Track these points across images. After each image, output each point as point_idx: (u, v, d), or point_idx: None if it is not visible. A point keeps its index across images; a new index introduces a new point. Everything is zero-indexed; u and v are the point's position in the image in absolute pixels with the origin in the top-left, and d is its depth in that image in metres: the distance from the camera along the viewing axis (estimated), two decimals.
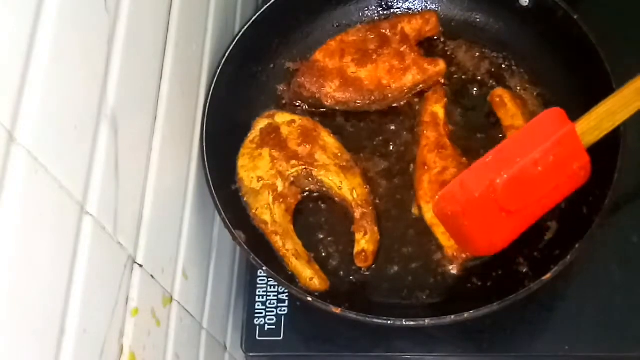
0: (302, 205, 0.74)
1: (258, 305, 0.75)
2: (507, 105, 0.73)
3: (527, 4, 0.76)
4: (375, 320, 0.64)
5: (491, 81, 0.77)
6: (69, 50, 0.44)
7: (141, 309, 0.54)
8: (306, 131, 0.73)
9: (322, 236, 0.73)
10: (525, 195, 0.64)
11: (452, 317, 0.63)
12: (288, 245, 0.69)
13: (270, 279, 0.76)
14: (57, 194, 0.43)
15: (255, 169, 0.72)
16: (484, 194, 0.62)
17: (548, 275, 0.63)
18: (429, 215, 0.70)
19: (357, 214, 0.71)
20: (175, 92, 0.63)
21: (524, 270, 0.68)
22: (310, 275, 0.67)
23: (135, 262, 0.54)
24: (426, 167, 0.72)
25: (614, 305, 0.73)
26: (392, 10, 0.82)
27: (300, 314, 0.75)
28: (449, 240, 0.69)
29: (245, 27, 0.76)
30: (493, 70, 0.78)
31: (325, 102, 0.77)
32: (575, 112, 0.73)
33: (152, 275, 0.57)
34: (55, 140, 0.43)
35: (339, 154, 0.73)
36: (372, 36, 0.78)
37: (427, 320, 0.63)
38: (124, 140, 0.51)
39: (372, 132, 0.77)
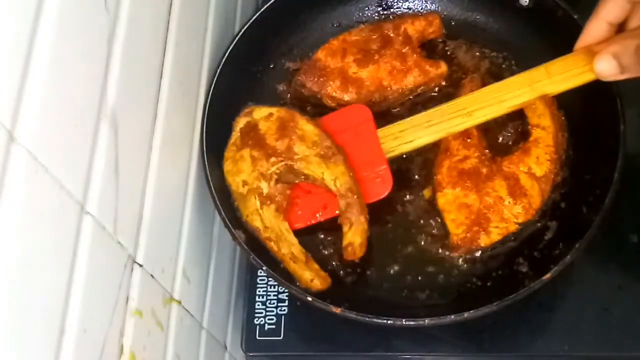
0: None
1: (258, 305, 0.75)
2: (535, 103, 0.73)
3: (527, 3, 0.76)
4: (375, 320, 0.64)
5: (491, 81, 0.77)
6: (69, 50, 0.44)
7: (141, 308, 0.54)
8: (283, 123, 0.71)
9: (322, 236, 0.73)
10: None
11: (452, 317, 0.63)
12: (284, 250, 0.67)
13: (270, 279, 0.76)
14: (57, 194, 0.43)
15: (239, 172, 0.70)
16: None
17: (548, 275, 0.63)
18: (442, 200, 0.71)
19: (342, 204, 0.68)
20: (175, 92, 0.63)
21: (524, 270, 0.68)
22: (309, 277, 0.66)
23: (135, 262, 0.54)
24: (448, 153, 0.72)
25: (614, 305, 0.73)
26: (392, 10, 0.82)
27: (300, 314, 0.75)
28: (457, 227, 0.70)
29: (245, 27, 0.76)
30: (493, 70, 0.78)
31: (326, 102, 0.77)
32: (575, 111, 0.74)
33: (152, 275, 0.57)
34: (55, 140, 0.43)
35: (318, 141, 0.70)
36: (374, 36, 0.78)
37: (427, 320, 0.63)
38: (124, 140, 0.51)
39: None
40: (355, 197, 0.68)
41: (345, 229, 0.68)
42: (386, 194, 0.70)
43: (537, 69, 0.70)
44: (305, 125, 0.71)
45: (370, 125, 0.72)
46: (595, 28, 0.65)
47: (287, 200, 0.70)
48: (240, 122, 0.73)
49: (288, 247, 0.68)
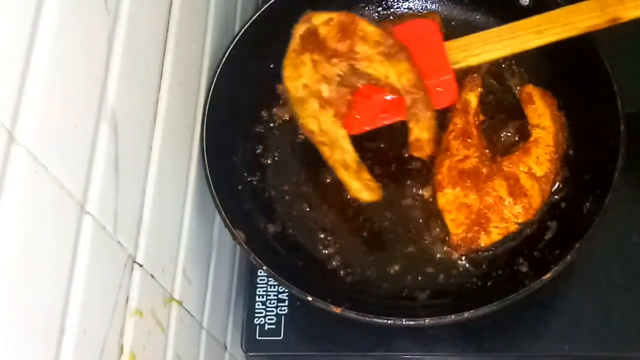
0: (303, 205, 0.74)
1: (258, 305, 0.75)
2: (535, 103, 0.73)
3: (527, 3, 0.76)
4: (375, 320, 0.64)
5: (491, 81, 0.77)
6: (69, 50, 0.44)
7: (141, 308, 0.54)
8: (344, 26, 0.70)
9: (322, 236, 0.73)
10: None
11: (452, 317, 0.63)
12: (336, 155, 0.67)
13: (270, 279, 0.76)
14: (57, 194, 0.43)
15: (299, 77, 0.70)
16: None
17: (548, 275, 0.63)
18: (442, 200, 0.71)
19: (408, 100, 0.68)
20: (175, 92, 0.63)
21: (524, 270, 0.68)
22: (358, 187, 0.65)
23: (135, 262, 0.54)
24: (448, 153, 0.72)
25: (614, 305, 0.73)
26: (392, 10, 0.82)
27: (300, 314, 0.75)
28: (457, 227, 0.70)
29: (246, 26, 0.76)
30: (493, 70, 0.78)
31: None
32: (576, 111, 0.74)
33: (152, 275, 0.57)
34: (55, 140, 0.43)
35: (381, 40, 0.69)
36: None
37: (427, 320, 0.63)
38: (124, 140, 0.51)
39: (373, 132, 0.77)
40: (421, 92, 0.67)
41: (411, 124, 0.68)
42: (449, 103, 0.71)
43: None
44: (367, 27, 0.70)
45: (437, 36, 0.72)
46: None
47: (347, 105, 0.69)
48: (300, 29, 0.72)
49: (341, 154, 0.67)
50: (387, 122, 0.72)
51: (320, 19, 0.71)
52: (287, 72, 0.71)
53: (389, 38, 0.69)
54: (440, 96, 0.71)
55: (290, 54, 0.72)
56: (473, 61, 0.72)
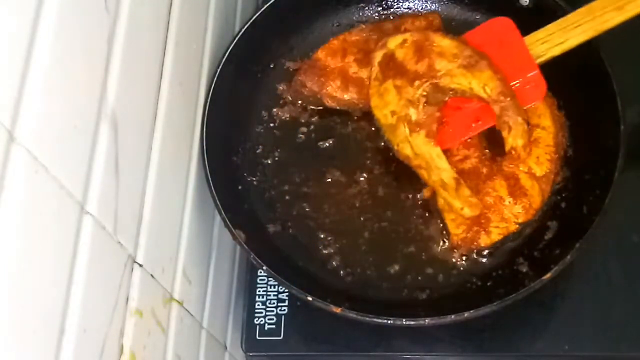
0: (303, 205, 0.74)
1: (258, 305, 0.75)
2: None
3: (527, 3, 0.76)
4: (375, 320, 0.64)
5: None
6: (69, 50, 0.44)
7: (141, 308, 0.54)
8: (419, 45, 0.70)
9: (322, 236, 0.73)
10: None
11: (452, 316, 0.63)
12: (434, 177, 0.67)
13: (270, 279, 0.76)
14: (57, 193, 0.43)
15: (386, 105, 0.70)
16: None
17: (548, 275, 0.63)
18: (442, 201, 0.71)
19: (496, 110, 0.67)
20: (175, 92, 0.63)
21: (524, 270, 0.68)
22: (459, 206, 0.66)
23: (135, 262, 0.54)
24: (448, 153, 0.72)
25: (614, 305, 0.73)
26: (392, 10, 0.82)
27: (300, 314, 0.75)
28: (457, 227, 0.70)
29: (246, 26, 0.76)
30: None
31: (326, 102, 0.76)
32: (576, 111, 0.74)
33: (152, 275, 0.57)
34: (55, 140, 0.43)
35: (458, 53, 0.69)
36: (374, 36, 0.78)
37: (427, 320, 0.63)
38: (124, 140, 0.51)
39: (372, 133, 0.77)
40: (508, 99, 0.67)
41: (504, 134, 0.68)
42: (541, 98, 0.70)
43: None
44: (442, 41, 0.70)
45: (515, 33, 0.71)
46: None
47: (437, 122, 0.69)
48: (377, 56, 0.72)
49: (438, 174, 0.67)
50: (481, 130, 0.71)
51: (395, 42, 0.72)
52: (374, 101, 0.72)
53: (466, 48, 0.69)
54: (530, 93, 0.70)
55: (372, 83, 0.72)
56: (556, 51, 0.70)
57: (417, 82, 0.69)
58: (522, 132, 0.66)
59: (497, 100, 0.67)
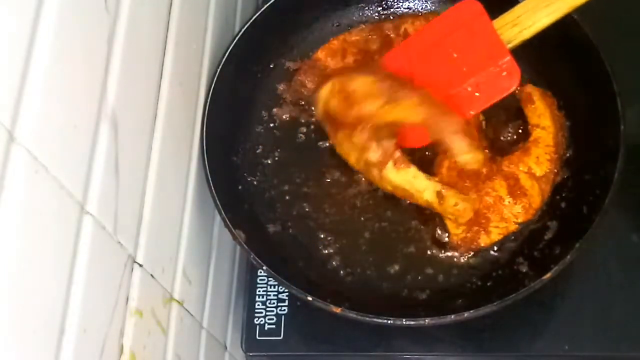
0: (304, 205, 0.74)
1: (258, 305, 0.75)
2: (535, 103, 0.73)
3: None
4: (375, 320, 0.64)
5: None
6: (69, 50, 0.44)
7: (141, 308, 0.54)
8: (343, 91, 0.69)
9: (322, 236, 0.73)
10: (441, 82, 0.68)
11: (452, 316, 0.63)
12: (420, 200, 0.67)
13: (270, 279, 0.76)
14: (57, 193, 0.43)
15: (349, 154, 0.71)
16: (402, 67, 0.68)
17: (548, 275, 0.63)
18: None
19: (432, 133, 0.68)
20: (175, 92, 0.63)
21: (524, 270, 0.68)
22: (452, 217, 0.68)
23: (135, 262, 0.54)
24: (448, 153, 0.71)
25: (614, 305, 0.73)
26: (392, 10, 0.82)
27: (300, 314, 0.75)
28: (456, 227, 0.70)
29: (246, 26, 0.76)
30: None
31: None
32: (576, 111, 0.74)
33: (152, 275, 0.57)
34: (55, 140, 0.43)
35: (377, 90, 0.68)
36: (374, 36, 0.78)
37: (427, 320, 0.63)
38: (124, 140, 0.51)
39: None
40: (438, 118, 0.66)
41: (450, 154, 0.68)
42: (515, 86, 0.68)
43: None
44: (357, 82, 0.69)
45: (484, 18, 0.68)
46: None
47: (399, 146, 0.69)
48: (319, 114, 0.73)
49: (421, 196, 0.68)
50: None
51: (325, 92, 0.71)
52: (340, 152, 0.72)
53: (384, 80, 0.68)
54: (504, 81, 0.68)
55: (330, 136, 0.73)
56: (527, 34, 0.68)
57: (359, 127, 0.68)
58: (466, 147, 0.66)
59: (431, 123, 0.66)
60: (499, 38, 0.68)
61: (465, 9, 0.70)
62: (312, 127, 0.78)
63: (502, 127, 0.75)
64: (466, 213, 0.68)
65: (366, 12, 0.82)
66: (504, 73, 0.68)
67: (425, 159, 0.74)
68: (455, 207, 0.67)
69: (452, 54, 0.69)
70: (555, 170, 0.71)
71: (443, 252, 0.71)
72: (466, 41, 0.69)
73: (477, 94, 0.69)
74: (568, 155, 0.73)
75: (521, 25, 0.68)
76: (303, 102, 0.78)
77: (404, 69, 0.70)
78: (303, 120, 0.78)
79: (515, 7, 0.68)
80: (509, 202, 0.70)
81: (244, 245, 0.67)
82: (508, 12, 0.69)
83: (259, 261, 0.66)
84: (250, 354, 0.74)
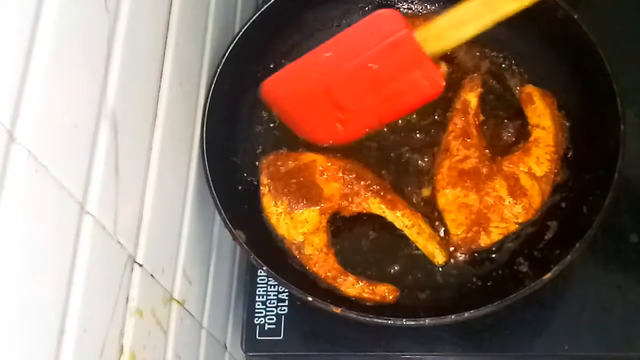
0: None
1: (258, 305, 0.75)
2: (535, 104, 0.73)
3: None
4: (375, 320, 0.64)
5: (491, 81, 0.77)
6: (69, 50, 0.44)
7: (141, 308, 0.54)
8: (300, 174, 0.72)
9: None
10: (360, 95, 0.69)
11: (452, 317, 0.63)
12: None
13: (270, 279, 0.76)
14: (57, 193, 0.43)
15: (292, 229, 0.71)
16: (313, 85, 0.69)
17: (548, 275, 0.63)
18: (442, 201, 0.71)
19: (397, 222, 0.71)
20: (175, 92, 0.63)
21: (524, 270, 0.68)
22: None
23: (136, 262, 0.54)
24: (448, 153, 0.72)
25: (614, 305, 0.73)
26: None
27: (300, 314, 0.75)
28: (457, 228, 0.70)
29: (245, 27, 0.76)
30: (493, 70, 0.78)
31: None
32: (576, 111, 0.74)
33: (152, 275, 0.57)
34: (55, 140, 0.43)
35: (342, 185, 0.71)
36: None
37: (427, 320, 0.63)
38: (124, 140, 0.51)
39: (373, 132, 0.77)
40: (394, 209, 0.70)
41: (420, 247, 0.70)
42: (439, 92, 0.70)
43: None
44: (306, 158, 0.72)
45: (407, 34, 0.67)
46: None
47: (327, 229, 0.71)
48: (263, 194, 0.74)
49: (327, 268, 0.69)
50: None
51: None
52: (277, 223, 0.73)
53: (340, 167, 0.71)
54: (427, 89, 0.70)
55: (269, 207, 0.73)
56: (451, 46, 0.69)
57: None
58: (427, 237, 0.70)
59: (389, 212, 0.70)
60: (419, 46, 0.68)
61: (384, 20, 0.70)
62: None
63: (502, 127, 0.75)
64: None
65: (366, 12, 0.82)
66: (427, 81, 0.70)
67: (427, 159, 0.74)
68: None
69: (371, 65, 0.69)
70: (556, 170, 0.71)
71: (449, 239, 0.71)
72: (384, 50, 0.69)
73: (398, 101, 0.71)
74: (568, 155, 0.73)
75: (447, 39, 0.68)
76: None
77: (306, 88, 0.72)
78: None
79: (443, 17, 0.68)
80: (509, 202, 0.70)
81: (244, 245, 0.67)
82: (432, 24, 0.68)
83: (259, 261, 0.66)
84: (250, 354, 0.74)
